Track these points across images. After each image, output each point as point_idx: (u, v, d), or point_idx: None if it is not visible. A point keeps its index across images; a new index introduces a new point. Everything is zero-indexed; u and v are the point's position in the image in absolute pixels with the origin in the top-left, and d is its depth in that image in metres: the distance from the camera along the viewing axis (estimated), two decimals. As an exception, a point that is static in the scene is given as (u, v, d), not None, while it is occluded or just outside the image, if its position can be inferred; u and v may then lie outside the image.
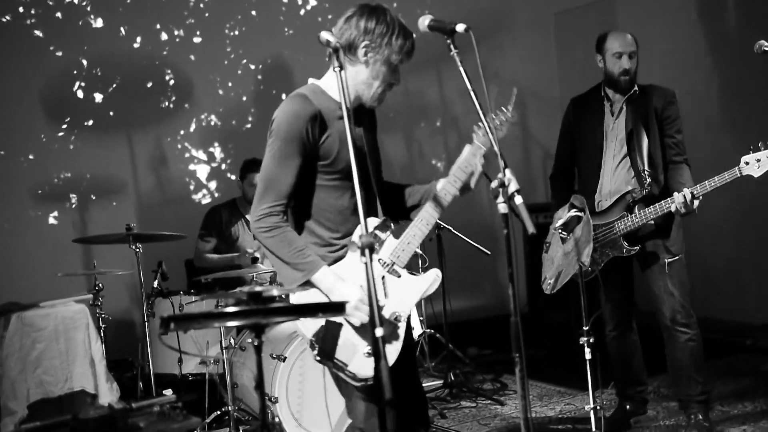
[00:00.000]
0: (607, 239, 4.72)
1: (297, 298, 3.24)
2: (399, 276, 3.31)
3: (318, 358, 3.18)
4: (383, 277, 3.29)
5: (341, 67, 3.00)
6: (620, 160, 4.85)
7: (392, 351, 3.21)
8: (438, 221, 4.54)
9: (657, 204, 4.55)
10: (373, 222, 3.33)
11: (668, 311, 4.74)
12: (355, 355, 3.18)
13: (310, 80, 3.41)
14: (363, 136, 3.41)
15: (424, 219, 3.38)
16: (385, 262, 3.31)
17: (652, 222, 4.64)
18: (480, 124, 3.36)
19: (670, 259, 4.72)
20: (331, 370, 3.22)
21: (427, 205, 3.41)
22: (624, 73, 4.80)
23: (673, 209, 4.47)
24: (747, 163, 4.31)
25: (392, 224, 3.38)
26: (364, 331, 3.17)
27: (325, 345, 3.16)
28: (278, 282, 3.31)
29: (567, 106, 5.16)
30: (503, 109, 3.58)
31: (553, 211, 4.99)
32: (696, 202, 4.43)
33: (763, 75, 6.17)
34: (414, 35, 3.33)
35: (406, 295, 3.30)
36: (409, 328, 3.41)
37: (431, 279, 3.36)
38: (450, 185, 3.42)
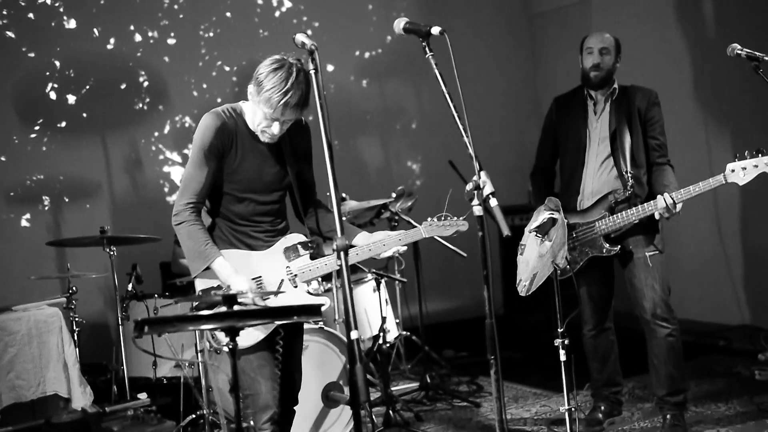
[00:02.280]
0: (587, 238, 4.75)
1: (201, 284, 3.73)
2: (296, 286, 3.79)
3: (195, 310, 3.64)
4: (282, 280, 3.79)
5: (317, 70, 3.02)
6: (603, 160, 4.88)
7: (254, 336, 3.66)
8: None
9: (639, 206, 4.58)
10: (298, 237, 3.86)
11: (649, 304, 4.76)
12: None
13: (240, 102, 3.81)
14: (294, 159, 3.85)
15: (333, 262, 3.83)
16: (290, 270, 3.79)
17: (636, 221, 4.67)
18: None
19: (651, 253, 4.75)
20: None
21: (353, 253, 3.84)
22: (594, 68, 4.85)
23: (657, 216, 4.51)
24: (733, 171, 4.35)
25: (313, 247, 3.85)
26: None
27: (203, 306, 3.53)
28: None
29: (550, 105, 5.18)
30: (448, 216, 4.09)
31: (536, 207, 5.00)
32: (679, 206, 4.46)
33: (739, 77, 6.23)
34: (300, 94, 3.56)
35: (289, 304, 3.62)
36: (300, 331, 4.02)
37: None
38: (366, 252, 3.87)
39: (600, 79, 4.87)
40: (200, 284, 3.76)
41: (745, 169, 4.33)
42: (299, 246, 3.82)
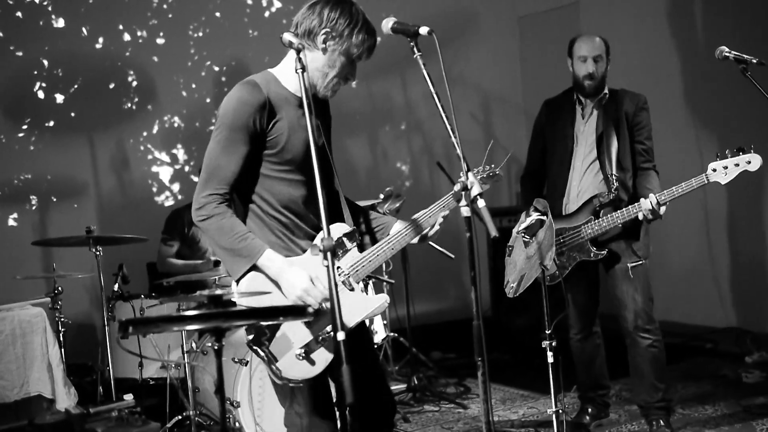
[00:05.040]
0: (575, 243, 4.74)
1: (245, 285, 3.13)
2: (352, 289, 3.27)
3: (251, 344, 3.09)
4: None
5: (303, 69, 2.98)
6: (589, 163, 4.87)
7: (323, 359, 3.17)
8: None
9: (624, 209, 4.58)
10: (343, 228, 3.31)
11: (630, 316, 4.76)
12: (288, 352, 3.11)
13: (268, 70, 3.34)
14: (321, 131, 3.34)
15: (392, 243, 3.37)
16: (342, 272, 3.26)
17: (620, 225, 4.67)
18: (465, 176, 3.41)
19: (633, 264, 4.75)
20: (259, 357, 3.13)
21: (401, 232, 3.38)
22: (588, 77, 4.82)
23: (640, 217, 4.51)
24: (714, 170, 4.36)
25: (359, 237, 3.36)
26: (303, 331, 3.13)
27: (262, 333, 3.09)
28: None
29: (540, 107, 5.18)
30: (492, 167, 3.62)
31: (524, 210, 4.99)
32: (663, 208, 4.47)
33: (728, 79, 6.24)
34: (377, 35, 3.29)
35: (352, 311, 3.21)
36: (365, 335, 3.42)
37: (379, 302, 3.31)
38: (426, 219, 3.40)
39: (594, 88, 4.86)
40: (245, 287, 3.15)
41: (727, 168, 4.35)
42: (344, 239, 3.28)
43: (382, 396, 3.48)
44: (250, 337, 3.08)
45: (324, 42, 3.20)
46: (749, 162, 4.33)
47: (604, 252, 4.72)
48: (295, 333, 3.13)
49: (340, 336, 2.71)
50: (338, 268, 3.26)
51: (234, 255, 3.09)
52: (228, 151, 3.11)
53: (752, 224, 7.20)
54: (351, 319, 3.20)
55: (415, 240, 3.42)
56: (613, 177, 4.75)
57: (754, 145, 4.37)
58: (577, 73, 4.88)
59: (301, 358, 3.11)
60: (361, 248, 3.35)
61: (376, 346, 5.92)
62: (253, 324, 3.06)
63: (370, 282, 5.42)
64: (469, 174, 2.96)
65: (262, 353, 3.09)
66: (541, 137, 5.13)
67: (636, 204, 4.54)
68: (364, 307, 3.29)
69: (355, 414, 2.97)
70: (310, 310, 2.99)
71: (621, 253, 4.77)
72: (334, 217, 3.34)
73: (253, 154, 3.15)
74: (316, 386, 3.21)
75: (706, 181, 4.38)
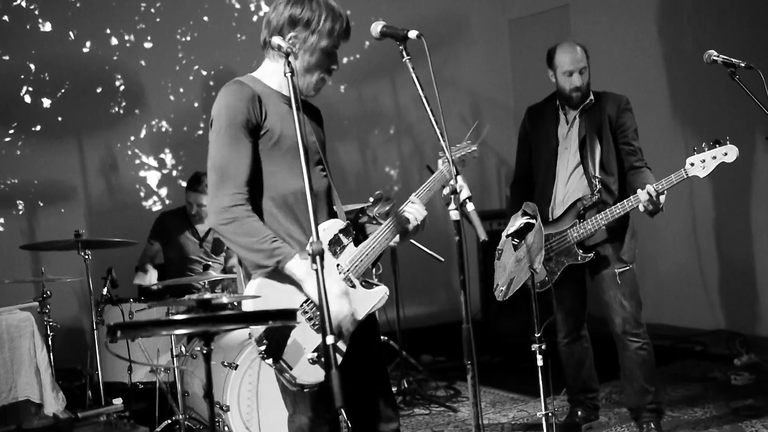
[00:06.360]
0: (562, 248, 4.74)
1: (254, 288, 3.11)
2: (353, 286, 3.24)
3: (264, 355, 3.07)
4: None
5: (292, 73, 2.97)
6: (574, 168, 4.87)
7: (316, 371, 3.14)
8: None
9: (618, 204, 4.55)
10: (338, 224, 3.29)
11: (618, 320, 4.77)
12: (301, 358, 3.09)
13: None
14: (312, 131, 3.33)
15: (383, 236, 3.37)
16: (343, 269, 3.24)
17: (605, 229, 4.66)
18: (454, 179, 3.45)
19: (621, 269, 4.74)
20: (273, 369, 3.12)
21: (387, 222, 3.40)
22: (575, 90, 4.82)
23: (641, 209, 4.46)
24: (692, 164, 4.37)
25: (353, 231, 3.35)
26: (313, 335, 3.12)
27: (274, 343, 3.06)
28: (245, 270, 3.19)
29: (524, 114, 5.17)
30: (469, 142, 3.80)
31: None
32: (662, 198, 4.43)
33: (715, 81, 6.26)
34: (345, 15, 3.27)
35: (357, 307, 3.22)
36: (372, 331, 3.43)
37: (380, 295, 3.31)
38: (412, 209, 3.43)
39: (581, 97, 4.86)
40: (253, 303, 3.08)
41: (704, 161, 4.36)
42: (341, 236, 3.26)
43: (387, 398, 3.47)
44: (263, 348, 3.06)
45: (293, 46, 3.16)
46: (726, 154, 4.35)
47: (591, 254, 4.72)
48: (305, 338, 3.12)
49: (329, 340, 2.70)
50: (338, 266, 3.24)
51: (262, 255, 3.05)
52: (234, 148, 3.09)
53: (740, 227, 7.22)
54: (357, 316, 3.22)
55: (397, 238, 3.42)
56: (596, 178, 4.75)
57: (738, 145, 4.37)
58: (562, 86, 4.85)
59: (313, 362, 3.09)
60: (356, 242, 3.33)
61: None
62: (261, 337, 3.05)
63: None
64: (458, 177, 2.96)
65: (276, 364, 3.07)
66: (527, 144, 5.13)
67: (632, 197, 4.49)
68: (367, 302, 3.28)
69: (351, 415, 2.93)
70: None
71: (607, 258, 4.77)
72: (330, 204, 3.34)
73: (255, 150, 3.14)
74: (320, 391, 3.17)
75: (685, 176, 4.38)
